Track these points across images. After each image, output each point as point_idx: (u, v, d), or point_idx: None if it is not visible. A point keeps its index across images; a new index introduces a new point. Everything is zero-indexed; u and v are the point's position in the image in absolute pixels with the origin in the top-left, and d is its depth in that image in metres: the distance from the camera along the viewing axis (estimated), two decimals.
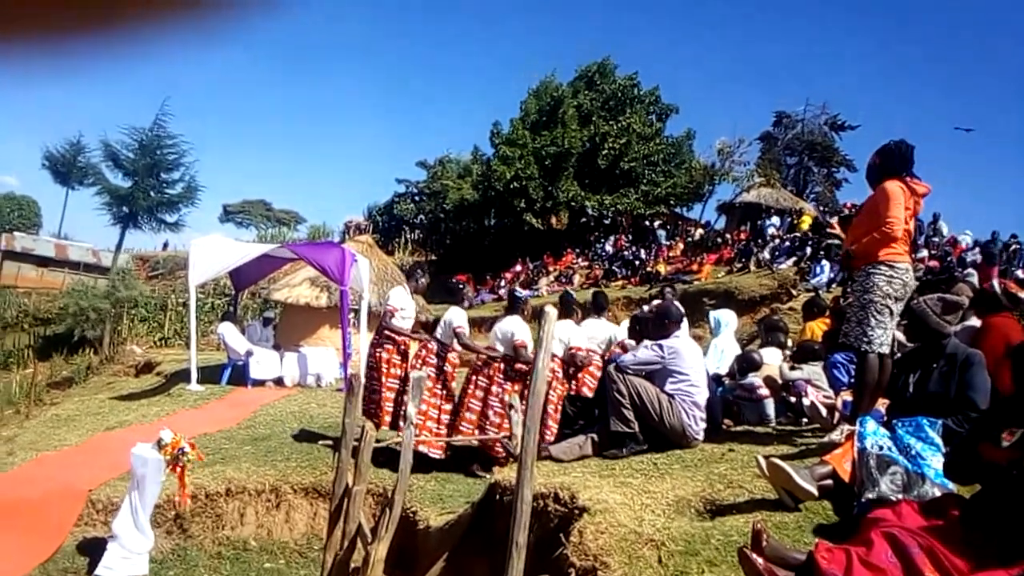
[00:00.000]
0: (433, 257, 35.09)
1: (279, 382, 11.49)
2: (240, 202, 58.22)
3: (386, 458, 6.37)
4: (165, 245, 41.04)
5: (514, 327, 6.64)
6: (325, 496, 6.09)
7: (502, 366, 6.59)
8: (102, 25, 0.63)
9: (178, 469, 5.63)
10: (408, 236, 36.25)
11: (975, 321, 4.78)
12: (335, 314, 12.40)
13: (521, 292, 7.85)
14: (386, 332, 7.19)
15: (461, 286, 8.08)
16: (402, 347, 7.27)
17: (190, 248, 11.48)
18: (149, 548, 5.42)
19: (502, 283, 25.76)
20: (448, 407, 6.89)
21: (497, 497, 4.51)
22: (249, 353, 11.35)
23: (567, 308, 7.31)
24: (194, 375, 10.83)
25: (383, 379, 7.05)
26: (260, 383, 11.26)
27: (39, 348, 22.76)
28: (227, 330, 11.67)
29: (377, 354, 7.16)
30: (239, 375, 11.35)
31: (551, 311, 3.93)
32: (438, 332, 7.05)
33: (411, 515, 5.49)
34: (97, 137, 39.46)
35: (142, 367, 15.24)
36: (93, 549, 5.50)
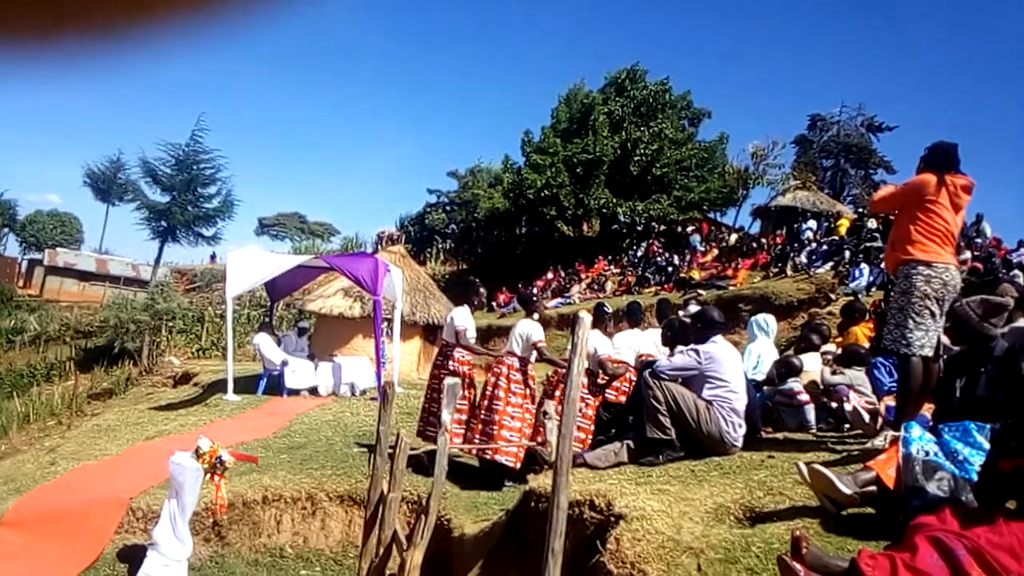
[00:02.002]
0: (465, 266, 35.23)
1: (314, 391, 11.61)
2: (275, 215, 59.28)
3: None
4: (213, 256, 41.88)
5: (530, 329, 6.75)
6: (360, 504, 6.12)
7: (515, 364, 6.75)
8: (127, 23, 0.63)
9: (216, 478, 5.70)
10: (440, 246, 36.49)
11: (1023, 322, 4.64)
12: (368, 324, 12.53)
13: (532, 294, 7.98)
14: (455, 353, 7.15)
15: (535, 296, 8.04)
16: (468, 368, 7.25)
17: (227, 261, 11.69)
18: (187, 555, 5.49)
19: (534, 291, 25.71)
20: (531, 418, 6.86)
21: (532, 504, 4.48)
22: (284, 363, 11.49)
23: (600, 318, 7.25)
24: (231, 385, 10.97)
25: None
26: (295, 392, 11.38)
27: (80, 360, 23.31)
28: (263, 340, 11.83)
29: (441, 375, 7.08)
30: (275, 385, 11.50)
31: (586, 317, 3.91)
32: (514, 345, 6.98)
33: (446, 522, 5.48)
34: (136, 154, 40.42)
35: (180, 378, 15.52)
36: (133, 556, 5.59)
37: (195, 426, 9.24)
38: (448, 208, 39.06)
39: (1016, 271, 14.33)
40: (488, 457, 6.64)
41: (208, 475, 5.66)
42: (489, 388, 6.82)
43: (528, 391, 6.84)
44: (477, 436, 6.71)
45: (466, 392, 7.02)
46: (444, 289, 22.02)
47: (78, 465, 7.63)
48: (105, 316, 24.89)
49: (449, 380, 4.40)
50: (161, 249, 37.37)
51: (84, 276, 41.24)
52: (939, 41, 79.05)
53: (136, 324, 22.61)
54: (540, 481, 4.64)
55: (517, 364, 6.84)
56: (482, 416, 6.75)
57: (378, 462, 4.66)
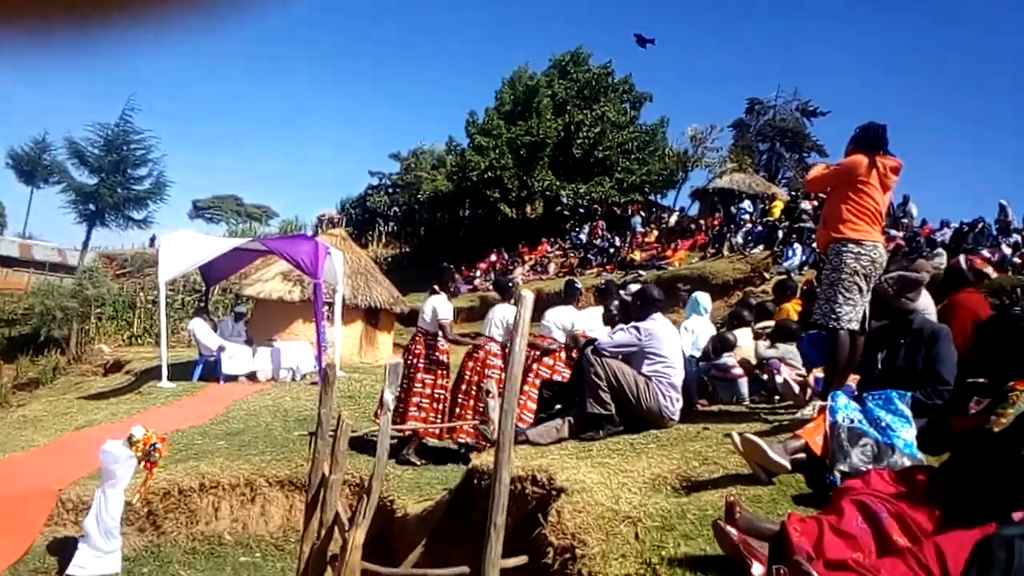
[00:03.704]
0: (407, 249, 34.96)
1: (252, 377, 11.40)
2: (210, 197, 57.53)
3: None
4: (152, 240, 40.26)
5: (510, 314, 6.83)
6: (301, 488, 6.07)
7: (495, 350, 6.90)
8: (77, 15, 0.61)
9: (148, 465, 5.57)
10: (382, 228, 36.09)
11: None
12: (308, 308, 12.33)
13: (509, 279, 8.08)
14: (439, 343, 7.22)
15: (511, 282, 8.13)
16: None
17: (159, 244, 11.30)
18: (120, 546, 5.35)
19: (477, 273, 25.73)
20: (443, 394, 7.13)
21: (475, 482, 4.51)
22: (221, 348, 11.23)
23: (571, 294, 7.53)
24: (165, 372, 10.70)
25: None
26: (233, 378, 11.17)
27: (3, 350, 22.29)
28: (198, 326, 11.53)
29: (419, 364, 7.19)
30: (211, 371, 11.24)
31: (528, 295, 3.93)
32: (494, 330, 7.10)
33: (388, 503, 5.48)
34: (62, 135, 38.53)
35: (111, 366, 15.03)
36: (64, 549, 5.42)
37: (127, 415, 8.97)
38: (390, 190, 38.61)
39: (939, 249, 15.03)
40: (463, 440, 6.79)
41: (141, 463, 5.51)
42: (469, 373, 6.87)
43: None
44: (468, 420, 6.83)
45: (446, 382, 7.16)
46: (386, 272, 21.81)
47: (3, 457, 7.34)
48: (30, 303, 23.76)
49: (391, 360, 4.38)
50: (89, 233, 35.86)
51: (6, 262, 39.21)
52: (870, 28, 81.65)
53: (63, 311, 21.71)
54: (483, 459, 4.67)
55: (496, 349, 7.00)
56: (470, 403, 6.83)
57: (319, 445, 4.61)
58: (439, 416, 7.01)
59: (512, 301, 7.29)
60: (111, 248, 39.86)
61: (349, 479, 6.01)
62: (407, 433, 7.04)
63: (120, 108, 34.80)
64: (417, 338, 7.22)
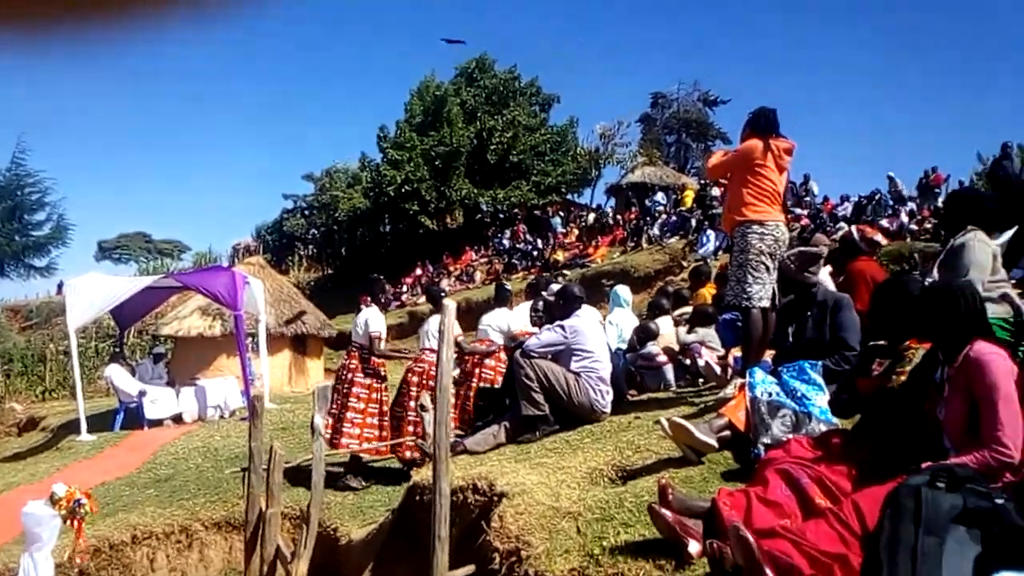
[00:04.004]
0: (330, 271, 34.38)
1: (178, 419, 11.00)
2: (116, 237, 54.92)
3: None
4: (60, 287, 38.02)
5: (510, 319, 6.93)
6: (239, 527, 5.90)
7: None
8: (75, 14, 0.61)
9: (75, 523, 5.30)
10: (301, 252, 35.36)
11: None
12: (231, 341, 12.00)
13: (440, 289, 8.13)
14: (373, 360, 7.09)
15: (443, 291, 8.07)
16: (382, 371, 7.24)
17: (65, 291, 10.77)
18: None
19: (404, 288, 25.55)
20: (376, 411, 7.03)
21: (417, 498, 4.50)
22: (142, 393, 10.80)
23: (503, 298, 7.66)
24: (83, 425, 10.20)
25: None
26: (157, 423, 10.75)
27: None
28: (115, 372, 11.05)
29: (355, 380, 7.04)
30: (134, 418, 10.78)
31: (450, 304, 3.97)
32: (433, 341, 6.95)
33: (331, 532, 5.39)
34: None
35: (25, 424, 14.19)
36: None
37: (48, 474, 8.51)
38: (307, 212, 37.89)
39: (841, 223, 15.81)
40: (407, 457, 6.72)
41: (67, 522, 5.25)
42: (415, 388, 6.78)
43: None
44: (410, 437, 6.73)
45: (383, 395, 7.06)
46: (311, 296, 21.38)
47: None
48: None
49: (318, 385, 4.32)
50: None
51: None
52: (765, 17, 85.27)
53: None
54: (423, 474, 4.66)
55: (434, 359, 6.89)
56: (410, 417, 6.71)
57: (253, 480, 4.51)
58: (377, 431, 6.91)
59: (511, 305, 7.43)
60: (14, 300, 37.53)
61: (289, 512, 5.88)
62: (346, 457, 6.90)
63: (9, 151, 32.93)
64: (351, 352, 7.10)
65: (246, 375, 10.72)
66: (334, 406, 6.91)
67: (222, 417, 11.25)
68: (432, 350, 6.95)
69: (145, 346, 20.28)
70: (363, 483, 6.83)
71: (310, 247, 36.28)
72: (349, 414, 6.80)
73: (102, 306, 10.77)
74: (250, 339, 11.85)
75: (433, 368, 6.84)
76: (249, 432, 4.70)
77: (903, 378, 2.87)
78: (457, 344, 7.11)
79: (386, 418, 6.97)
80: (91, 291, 10.48)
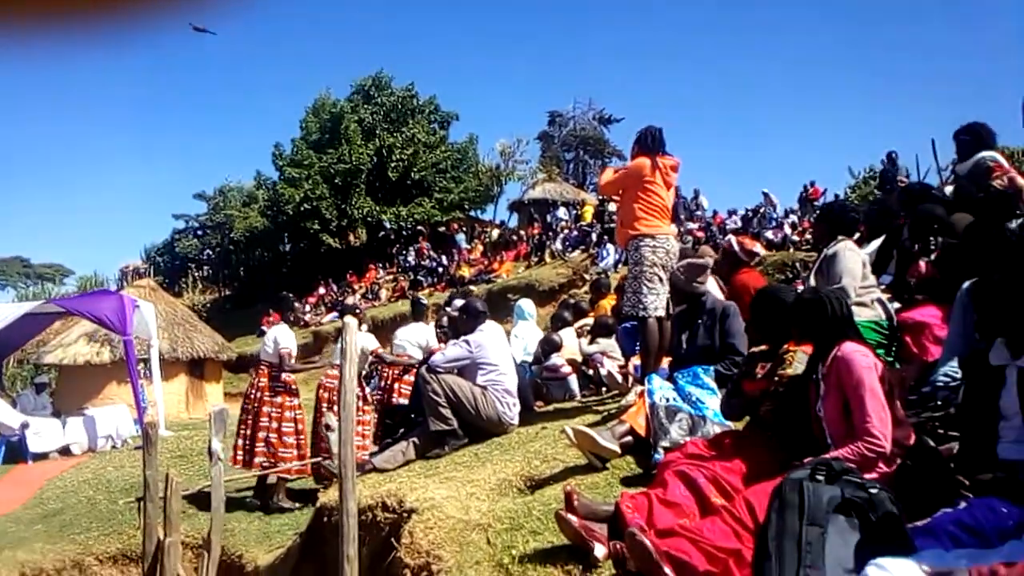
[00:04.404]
0: (228, 292, 33.10)
1: (65, 451, 10.38)
2: None
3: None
4: None
5: (363, 340, 6.81)
6: (137, 560, 5.60)
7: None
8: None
9: None
10: (195, 274, 33.80)
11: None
12: (122, 368, 11.41)
13: (352, 305, 8.15)
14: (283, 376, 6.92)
15: (357, 307, 8.02)
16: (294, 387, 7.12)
17: None
18: None
19: (306, 308, 24.92)
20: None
21: (325, 519, 4.44)
22: (25, 425, 10.12)
23: (419, 311, 7.80)
24: None
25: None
26: (43, 456, 10.13)
27: None
28: None
29: (263, 399, 6.87)
30: (16, 452, 10.08)
31: (351, 321, 3.96)
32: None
33: (236, 559, 5.22)
34: None
35: None
36: None
37: None
38: (200, 233, 36.35)
39: (730, 236, 16.66)
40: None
41: None
42: (326, 405, 6.64)
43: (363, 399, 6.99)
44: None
45: (296, 413, 6.94)
46: (208, 319, 20.53)
47: None
48: None
49: (214, 408, 4.19)
50: None
51: None
52: (654, 36, 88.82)
53: None
54: (330, 494, 4.59)
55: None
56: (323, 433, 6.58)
57: (150, 509, 4.32)
58: (295, 451, 6.75)
59: (363, 328, 7.44)
60: None
61: (190, 540, 5.64)
62: (264, 477, 6.70)
63: None
64: (260, 370, 6.94)
65: (139, 402, 10.22)
66: (243, 426, 6.73)
67: (114, 447, 10.70)
68: (406, 356, 7.03)
69: (27, 376, 18.89)
70: (296, 504, 6.65)
71: (205, 268, 34.78)
72: (261, 434, 6.66)
73: None
74: (142, 365, 11.30)
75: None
76: (143, 461, 4.49)
77: (785, 379, 3.09)
78: (378, 356, 7.13)
79: (303, 436, 6.83)
80: None
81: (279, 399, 6.78)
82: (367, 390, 7.38)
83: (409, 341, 7.19)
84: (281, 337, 6.86)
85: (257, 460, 6.56)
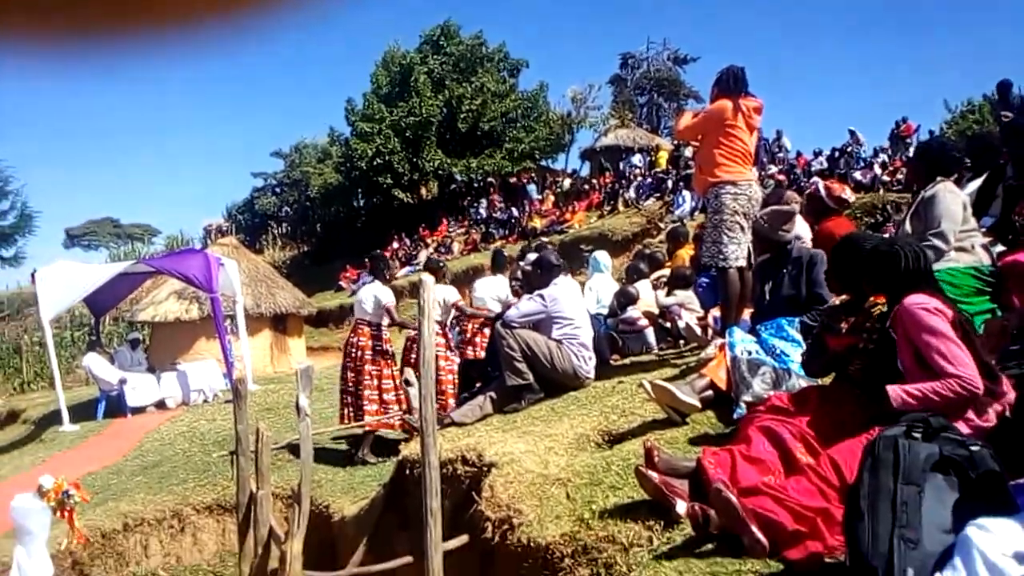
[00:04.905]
0: (305, 248, 34.06)
1: (161, 405, 10.98)
2: (84, 223, 53.76)
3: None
4: (33, 276, 37.26)
5: (443, 293, 7.04)
6: (230, 510, 5.93)
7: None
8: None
9: (66, 513, 5.30)
10: (275, 231, 34.89)
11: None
12: (209, 324, 11.93)
13: (439, 260, 8.33)
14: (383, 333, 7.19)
15: (441, 263, 8.23)
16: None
17: (36, 281, 10.61)
18: None
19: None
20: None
21: (407, 472, 4.54)
22: (123, 381, 10.73)
23: (499, 264, 7.92)
24: (65, 415, 10.15)
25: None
26: (140, 410, 10.73)
27: None
28: (93, 361, 10.95)
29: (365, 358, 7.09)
30: (115, 406, 10.74)
31: (428, 279, 3.97)
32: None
33: (324, 509, 5.44)
34: None
35: (5, 418, 14.05)
36: None
37: (33, 465, 8.49)
38: (278, 190, 37.35)
39: (816, 178, 15.93)
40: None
41: (57, 512, 5.24)
42: (415, 357, 6.84)
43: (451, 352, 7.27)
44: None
45: (393, 371, 7.12)
46: (287, 275, 21.22)
47: None
48: None
49: (301, 364, 4.32)
50: None
51: None
52: None
53: None
54: (411, 448, 4.70)
55: (438, 329, 7.03)
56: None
57: (242, 463, 4.52)
58: (394, 406, 6.95)
59: (445, 280, 7.55)
60: None
61: (280, 492, 5.92)
62: (363, 430, 6.94)
63: None
64: (360, 329, 7.09)
65: (227, 358, 10.69)
66: (348, 384, 6.94)
67: (205, 401, 11.24)
68: (484, 309, 7.19)
69: (122, 333, 20.09)
70: (380, 458, 6.86)
71: (283, 225, 35.80)
72: (366, 392, 6.87)
73: (75, 295, 10.66)
74: (229, 321, 11.78)
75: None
76: (234, 415, 4.69)
77: (875, 334, 2.93)
78: (459, 309, 7.24)
79: (398, 392, 7.01)
80: (62, 280, 10.35)
81: (378, 359, 6.96)
82: (451, 340, 7.52)
83: (488, 295, 7.22)
84: (381, 294, 7.00)
85: (365, 419, 6.78)
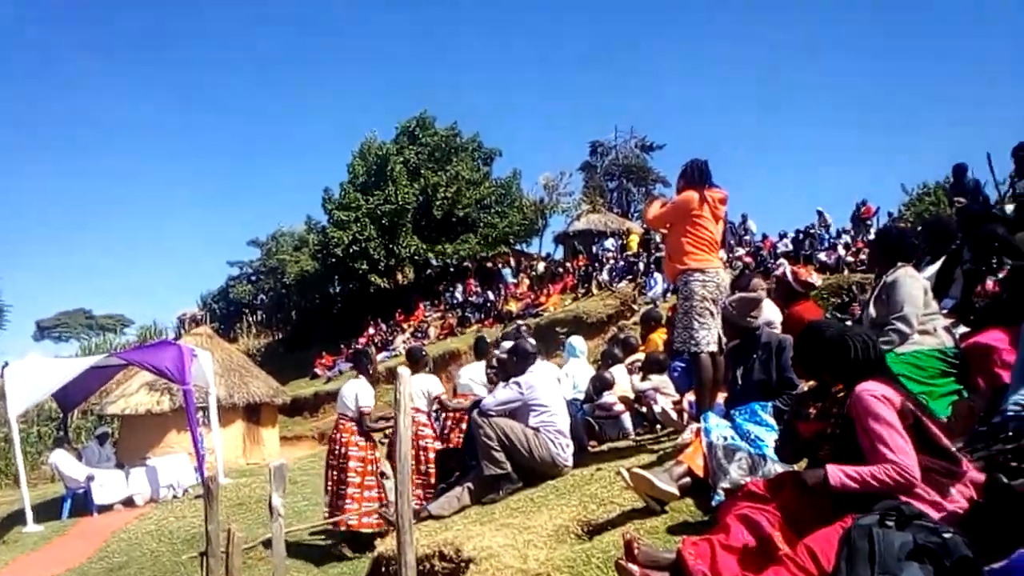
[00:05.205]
0: (280, 336, 33.80)
1: (129, 502, 10.64)
2: (56, 315, 53.06)
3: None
4: (2, 369, 36.25)
5: (426, 383, 7.15)
6: None
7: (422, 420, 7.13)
8: None
9: None
10: (250, 319, 34.67)
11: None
12: (181, 416, 11.71)
13: (420, 347, 8.31)
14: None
15: (423, 352, 8.12)
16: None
17: (4, 376, 10.40)
18: None
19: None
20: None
21: (383, 569, 4.42)
22: (90, 478, 10.42)
23: (481, 351, 7.84)
24: (29, 515, 9.79)
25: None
26: (108, 508, 10.39)
27: None
28: (60, 458, 10.65)
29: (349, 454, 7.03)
30: (82, 504, 10.38)
31: (404, 372, 3.99)
32: (417, 403, 7.11)
33: None
34: None
35: None
36: None
37: None
38: (253, 279, 37.38)
39: (782, 260, 16.36)
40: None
41: None
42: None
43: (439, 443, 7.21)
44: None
45: (377, 465, 7.08)
46: (262, 363, 20.98)
47: None
48: None
49: (275, 462, 4.25)
50: None
51: None
52: (692, 63, 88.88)
53: None
54: (387, 544, 4.59)
55: (423, 419, 7.16)
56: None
57: (212, 564, 4.38)
58: (377, 503, 6.81)
59: (427, 369, 7.53)
60: None
61: None
62: (339, 528, 6.76)
63: None
64: (342, 425, 7.08)
65: (199, 451, 10.44)
66: (330, 483, 6.84)
67: (175, 497, 10.92)
68: (416, 409, 7.05)
69: (91, 427, 19.53)
70: (355, 553, 6.68)
71: (258, 313, 35.64)
72: (349, 490, 6.78)
73: (44, 390, 10.49)
74: (201, 412, 11.57)
75: (420, 427, 6.94)
76: (205, 514, 4.57)
77: (840, 420, 2.99)
78: (441, 403, 7.19)
79: (383, 488, 6.90)
80: (32, 375, 10.19)
81: (362, 454, 6.91)
82: (437, 430, 7.46)
83: (473, 380, 7.22)
84: (362, 395, 6.99)
85: (344, 517, 6.63)
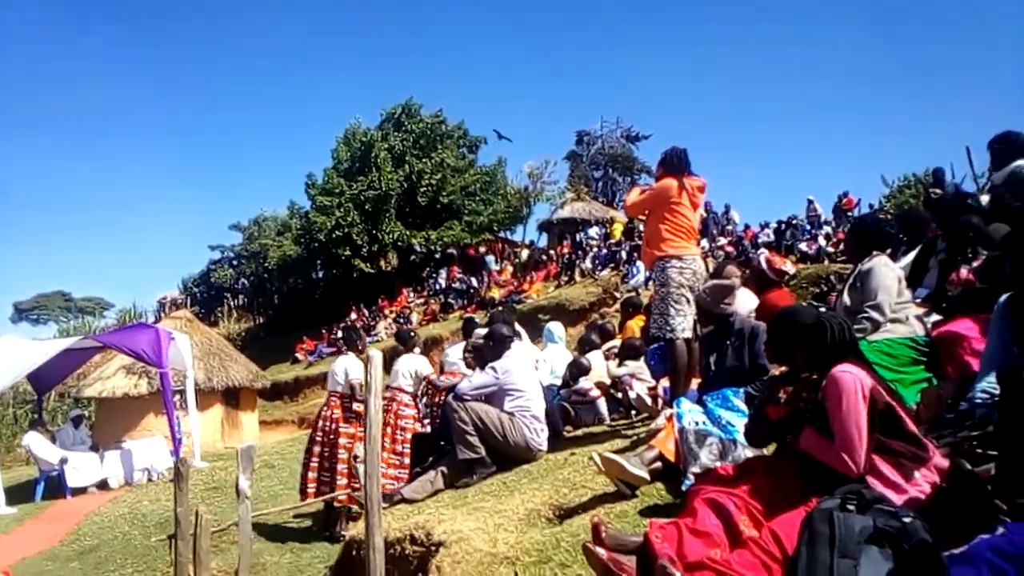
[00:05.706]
0: (261, 320, 33.57)
1: (103, 485, 10.55)
2: (34, 297, 52.38)
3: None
4: None
5: (415, 364, 7.19)
6: None
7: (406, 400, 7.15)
8: None
9: None
10: (231, 303, 34.38)
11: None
12: (158, 400, 11.63)
13: (409, 330, 8.55)
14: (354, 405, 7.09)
15: (412, 332, 8.12)
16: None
17: None
18: None
19: (339, 334, 25.16)
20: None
21: (353, 553, 4.41)
22: (64, 460, 10.32)
23: (470, 331, 7.67)
24: (1, 497, 9.70)
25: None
26: (81, 491, 10.30)
27: None
28: (33, 440, 10.54)
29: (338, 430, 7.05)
30: (56, 487, 10.27)
31: (376, 355, 3.95)
32: (402, 381, 7.16)
33: None
34: None
35: None
36: None
37: None
38: (235, 263, 37.04)
39: (762, 249, 16.44)
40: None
41: None
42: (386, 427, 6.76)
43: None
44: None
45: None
46: (242, 348, 20.83)
47: None
48: None
49: (241, 445, 4.21)
50: None
51: None
52: (680, 51, 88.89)
53: None
54: (358, 528, 4.57)
55: (407, 399, 7.20)
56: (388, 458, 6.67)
57: (180, 547, 4.34)
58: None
59: (416, 351, 7.56)
60: None
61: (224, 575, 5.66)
62: (335, 504, 6.76)
63: None
64: (332, 401, 7.11)
65: (174, 434, 10.37)
66: (315, 458, 6.92)
67: (150, 480, 10.85)
68: (400, 389, 7.13)
69: (67, 410, 19.36)
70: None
71: (240, 297, 35.35)
72: (340, 466, 6.79)
73: (19, 372, 10.37)
74: (178, 396, 11.48)
75: (402, 407, 6.94)
76: (175, 497, 4.53)
77: (811, 405, 3.00)
78: (430, 382, 7.19)
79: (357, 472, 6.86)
80: (7, 357, 10.05)
81: (351, 430, 6.93)
82: (421, 411, 7.45)
83: (461, 359, 7.19)
84: (351, 368, 7.00)
85: (338, 493, 6.61)
